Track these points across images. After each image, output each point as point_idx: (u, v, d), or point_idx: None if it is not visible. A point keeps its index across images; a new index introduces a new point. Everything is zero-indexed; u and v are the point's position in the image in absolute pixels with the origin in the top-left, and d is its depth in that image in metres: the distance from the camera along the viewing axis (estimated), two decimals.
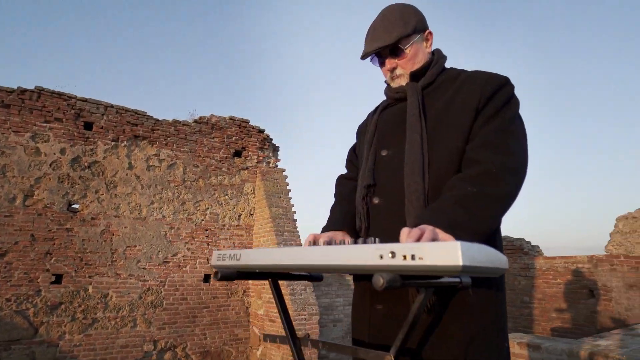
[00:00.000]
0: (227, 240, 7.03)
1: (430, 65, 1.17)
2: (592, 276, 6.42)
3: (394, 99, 1.20)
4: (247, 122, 7.57)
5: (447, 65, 1.22)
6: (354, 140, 1.47)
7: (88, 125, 6.08)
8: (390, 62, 1.17)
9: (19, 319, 5.23)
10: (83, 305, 5.65)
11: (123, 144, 6.29)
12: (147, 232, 6.29)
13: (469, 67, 1.18)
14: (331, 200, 1.35)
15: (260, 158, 7.60)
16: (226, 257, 1.05)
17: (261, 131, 7.69)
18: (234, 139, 7.37)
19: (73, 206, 5.84)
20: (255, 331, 6.92)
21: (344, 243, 0.90)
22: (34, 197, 5.54)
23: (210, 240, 6.87)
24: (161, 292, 6.26)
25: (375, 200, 1.11)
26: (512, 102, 1.06)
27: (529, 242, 7.74)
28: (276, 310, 6.40)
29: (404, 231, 0.83)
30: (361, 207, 1.12)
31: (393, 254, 0.70)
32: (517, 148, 1.00)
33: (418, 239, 0.82)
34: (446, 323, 0.94)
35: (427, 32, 1.19)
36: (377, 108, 1.28)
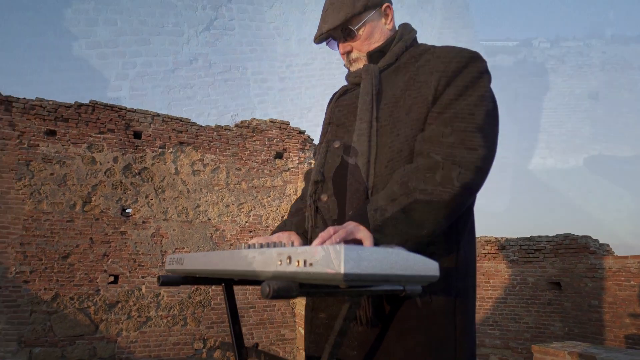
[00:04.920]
0: None
1: (393, 43, 1.02)
2: None
3: (353, 83, 1.07)
4: (288, 124, 7.62)
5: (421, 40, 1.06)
6: None
7: (137, 135, 6.45)
8: (343, 46, 1.05)
9: (82, 316, 5.66)
10: (137, 304, 5.99)
11: (169, 151, 6.60)
12: (193, 234, 6.54)
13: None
14: None
15: (302, 159, 7.62)
16: (174, 262, 1.00)
17: (302, 132, 7.71)
18: (274, 141, 7.45)
19: (126, 211, 6.21)
20: (302, 332, 6.93)
21: (282, 245, 0.81)
22: (92, 203, 5.97)
23: None
24: (209, 292, 6.48)
25: (324, 198, 1.00)
26: (479, 82, 0.89)
27: (596, 240, 7.01)
28: None
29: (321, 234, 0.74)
30: (309, 205, 1.03)
31: (290, 260, 0.60)
32: (477, 140, 0.83)
33: (324, 241, 0.72)
34: (388, 337, 0.82)
35: (384, 6, 1.04)
36: (334, 94, 1.14)
